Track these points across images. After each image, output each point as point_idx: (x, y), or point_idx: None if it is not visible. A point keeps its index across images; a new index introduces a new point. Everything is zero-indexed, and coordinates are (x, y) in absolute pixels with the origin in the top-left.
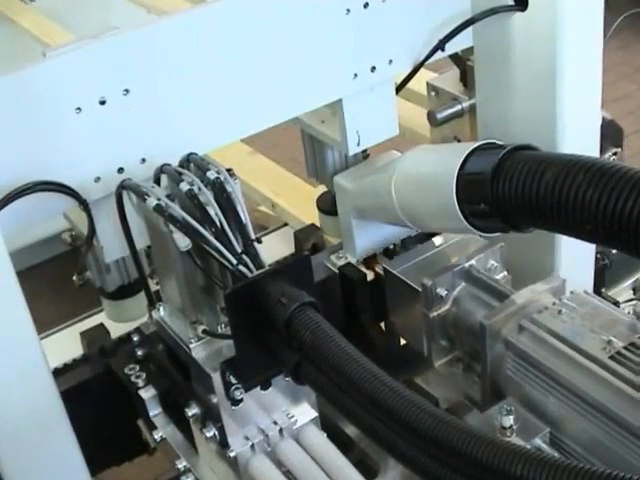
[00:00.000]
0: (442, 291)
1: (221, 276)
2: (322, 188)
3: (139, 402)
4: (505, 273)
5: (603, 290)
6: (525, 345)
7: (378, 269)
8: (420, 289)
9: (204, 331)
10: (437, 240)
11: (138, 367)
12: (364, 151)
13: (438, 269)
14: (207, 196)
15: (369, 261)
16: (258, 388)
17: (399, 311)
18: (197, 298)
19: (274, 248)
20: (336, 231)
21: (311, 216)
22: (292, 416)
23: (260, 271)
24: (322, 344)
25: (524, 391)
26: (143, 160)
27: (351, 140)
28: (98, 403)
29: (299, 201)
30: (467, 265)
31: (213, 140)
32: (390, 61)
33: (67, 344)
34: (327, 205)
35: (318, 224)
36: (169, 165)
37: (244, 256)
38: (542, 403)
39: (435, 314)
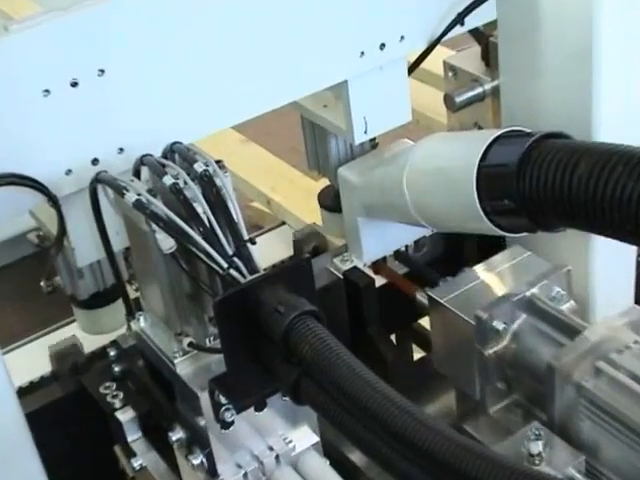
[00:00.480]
0: (499, 324)
1: (210, 282)
2: (324, 182)
3: (116, 425)
4: (572, 302)
5: None
6: (602, 392)
7: (386, 274)
8: (473, 322)
9: (190, 344)
10: (491, 263)
11: (115, 386)
12: (372, 140)
13: (494, 298)
14: (194, 191)
15: (378, 265)
16: (252, 409)
17: (446, 347)
18: (182, 307)
19: (270, 250)
20: (340, 231)
21: (312, 214)
22: (290, 441)
23: (254, 276)
24: (324, 359)
25: (601, 446)
26: (121, 150)
27: (357, 127)
28: (69, 427)
29: (298, 197)
30: (528, 293)
31: (201, 127)
32: (402, 37)
33: (34, 359)
34: (330, 201)
35: (320, 223)
36: (150, 156)
37: (236, 259)
38: (624, 460)
39: (491, 351)
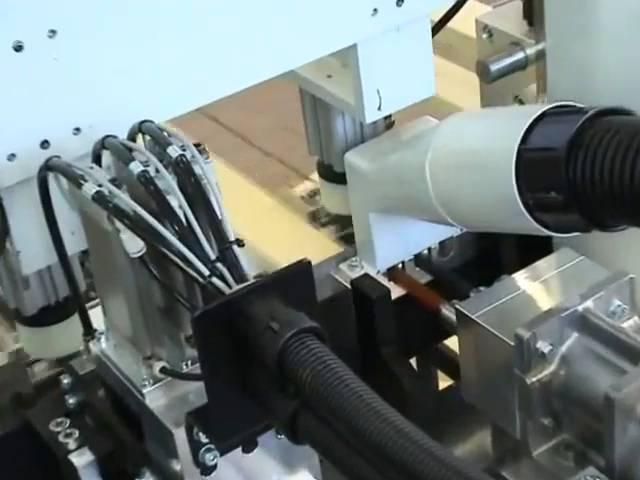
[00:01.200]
0: (545, 346)
1: (188, 293)
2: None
3: (69, 471)
4: (636, 319)
5: None
6: None
7: (404, 283)
8: (512, 343)
9: (163, 370)
10: (534, 270)
11: (68, 422)
12: (387, 118)
13: (538, 314)
14: (168, 181)
15: (394, 272)
16: (239, 450)
17: (478, 373)
18: (153, 323)
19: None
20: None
21: None
22: None
23: (242, 285)
24: (329, 387)
25: None
26: (77, 130)
27: (369, 102)
28: (11, 472)
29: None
30: (581, 308)
31: (177, 103)
32: None
33: None
34: (331, 169)
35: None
36: (114, 137)
37: (219, 265)
38: None
39: (534, 379)
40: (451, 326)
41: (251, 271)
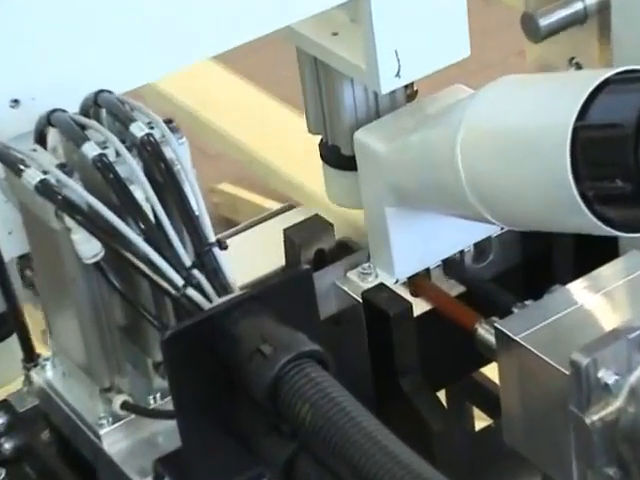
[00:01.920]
0: (609, 375)
1: (156, 308)
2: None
3: None
4: None
5: None
6: None
7: (430, 295)
8: (567, 372)
9: (125, 405)
10: (595, 279)
11: (3, 473)
12: (408, 87)
13: (599, 335)
14: (132, 167)
15: (418, 282)
16: None
17: (524, 410)
18: (113, 347)
19: (250, 258)
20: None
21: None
22: None
23: (224, 298)
24: (333, 426)
25: None
26: (15, 103)
27: (385, 67)
28: None
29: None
30: None
31: (144, 68)
32: None
33: None
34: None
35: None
36: (63, 112)
37: (196, 272)
38: None
39: (596, 418)
40: (489, 350)
41: (236, 280)
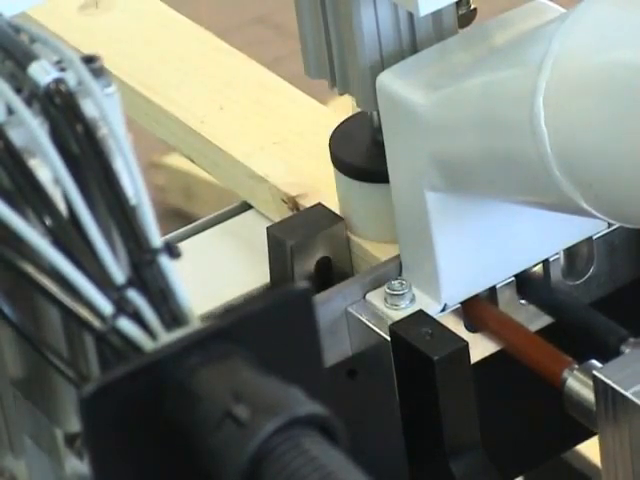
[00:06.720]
0: None
1: (70, 350)
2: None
3: None
4: None
5: None
6: None
7: (497, 328)
8: None
9: None
10: None
11: None
12: (461, 5)
13: None
14: (32, 131)
15: (477, 309)
16: None
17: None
18: (3, 412)
19: (216, 271)
20: (379, 218)
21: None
22: None
23: (176, 334)
24: None
25: None
26: None
27: None
28: None
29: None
30: None
31: None
32: None
33: None
34: (355, 153)
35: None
36: None
37: (132, 293)
38: None
39: None
40: (585, 412)
41: (195, 306)
